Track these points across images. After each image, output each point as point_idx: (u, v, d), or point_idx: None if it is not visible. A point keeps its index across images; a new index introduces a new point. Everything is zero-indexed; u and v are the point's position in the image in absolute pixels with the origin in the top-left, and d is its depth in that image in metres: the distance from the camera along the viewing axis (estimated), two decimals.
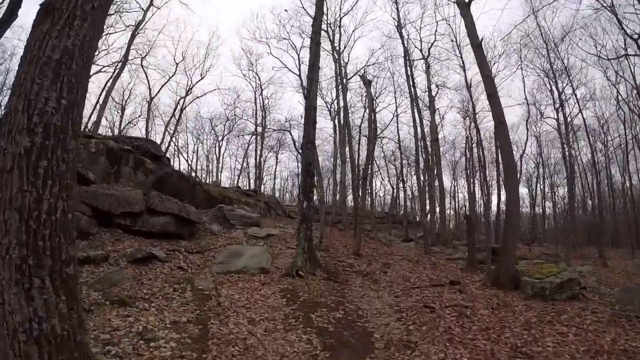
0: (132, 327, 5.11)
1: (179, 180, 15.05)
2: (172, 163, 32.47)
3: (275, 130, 22.44)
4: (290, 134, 22.23)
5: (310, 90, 11.01)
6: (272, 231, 14.73)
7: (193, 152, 38.77)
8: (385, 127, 26.96)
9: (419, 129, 19.93)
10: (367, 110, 20.39)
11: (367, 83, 18.74)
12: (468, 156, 30.87)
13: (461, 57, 21.51)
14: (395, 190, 36.46)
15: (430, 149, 21.09)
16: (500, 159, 13.43)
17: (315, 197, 14.86)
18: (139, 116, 32.54)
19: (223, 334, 5.27)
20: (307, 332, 5.63)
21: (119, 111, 32.76)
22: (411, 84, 20.73)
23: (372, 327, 6.19)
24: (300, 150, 13.04)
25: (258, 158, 30.98)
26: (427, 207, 21.02)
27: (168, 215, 10.06)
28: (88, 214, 8.46)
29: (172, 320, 5.50)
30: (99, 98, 22.86)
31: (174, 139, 32.97)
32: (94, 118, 22.83)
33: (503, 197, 28.50)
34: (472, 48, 11.04)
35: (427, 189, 20.77)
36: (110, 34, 22.41)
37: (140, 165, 13.28)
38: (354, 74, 24.71)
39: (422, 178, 22.39)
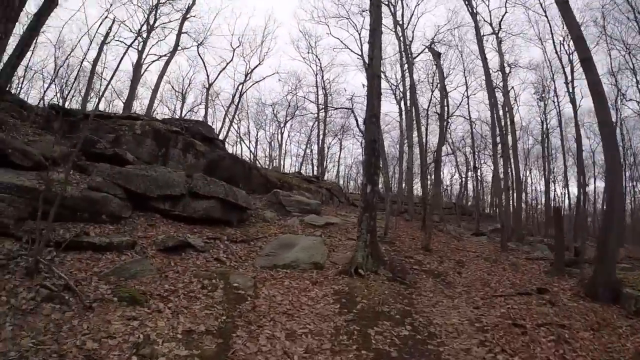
0: (133, 334, 3.91)
1: (233, 163, 14.11)
2: (233, 150, 32.57)
3: (336, 108, 20.34)
4: (353, 112, 20.26)
5: (372, 57, 9.28)
6: (332, 219, 13.34)
7: (255, 139, 38.69)
8: (456, 108, 24.30)
9: (493, 109, 17.33)
10: (438, 85, 18.10)
11: (437, 55, 16.57)
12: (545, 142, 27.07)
13: (546, 16, 18.34)
14: (464, 178, 33.68)
15: (504, 133, 18.39)
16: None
17: (380, 183, 13.18)
18: (199, 104, 32.78)
19: (248, 354, 3.87)
20: (361, 357, 4.04)
21: (180, 100, 33.39)
22: (484, 57, 18.10)
23: (449, 354, 4.45)
24: (363, 127, 11.36)
25: (320, 143, 29.64)
26: (503, 198, 18.45)
27: (213, 199, 8.94)
28: (120, 195, 7.51)
29: (187, 329, 4.21)
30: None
31: (234, 125, 32.86)
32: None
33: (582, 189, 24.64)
34: (557, 6, 8.88)
35: (501, 177, 18.18)
36: (165, 23, 22.26)
37: (190, 148, 12.47)
38: (422, 51, 22.42)
39: (498, 164, 19.67)
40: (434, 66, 20.20)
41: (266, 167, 31.51)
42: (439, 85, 13.80)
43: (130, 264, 5.72)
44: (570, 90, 18.15)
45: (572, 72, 18.37)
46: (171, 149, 12.05)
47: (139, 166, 8.93)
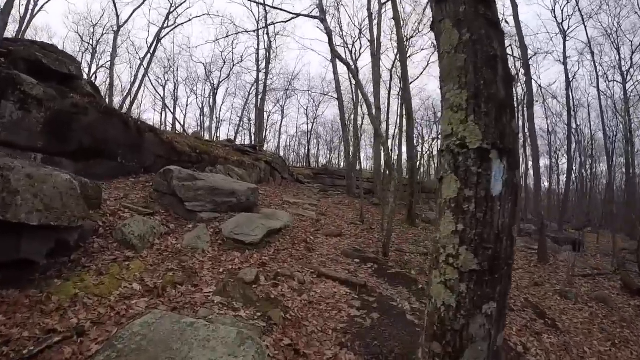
0: None
1: (106, 120, 8.08)
2: (158, 120, 26.04)
3: (298, 15, 11.40)
4: (325, 22, 13.07)
5: None
6: (278, 219, 7.74)
7: (185, 105, 32.47)
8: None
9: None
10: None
11: None
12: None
13: None
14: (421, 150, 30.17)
15: None
16: None
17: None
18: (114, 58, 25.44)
19: None
20: None
21: (90, 52, 26.01)
22: None
23: None
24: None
25: (259, 102, 23.52)
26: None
27: None
28: None
29: None
30: None
31: (154, 85, 26.17)
32: None
33: None
34: None
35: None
36: None
37: (10, 90, 6.46)
38: None
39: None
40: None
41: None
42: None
43: None
44: None
45: None
46: None
47: None
